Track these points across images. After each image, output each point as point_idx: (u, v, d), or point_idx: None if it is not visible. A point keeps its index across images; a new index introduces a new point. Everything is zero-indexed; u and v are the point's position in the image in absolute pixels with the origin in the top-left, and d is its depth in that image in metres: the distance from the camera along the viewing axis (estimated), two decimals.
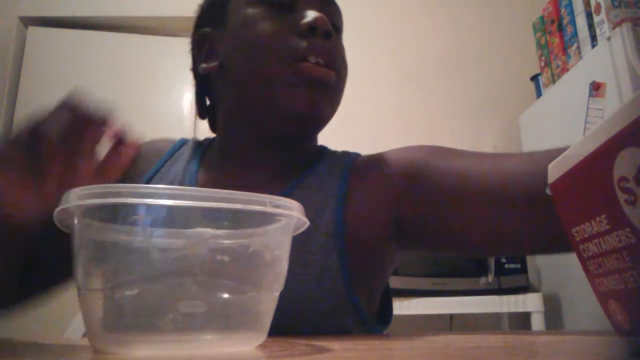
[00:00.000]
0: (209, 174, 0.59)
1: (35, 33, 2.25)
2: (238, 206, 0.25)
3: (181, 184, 0.56)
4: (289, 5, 0.54)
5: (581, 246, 0.24)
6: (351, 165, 0.58)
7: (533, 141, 1.93)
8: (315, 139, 0.63)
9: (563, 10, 1.71)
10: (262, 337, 0.29)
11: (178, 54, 2.31)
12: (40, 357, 0.26)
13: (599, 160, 0.21)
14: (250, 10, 0.55)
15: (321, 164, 0.59)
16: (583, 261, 0.25)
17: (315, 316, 0.49)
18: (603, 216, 0.21)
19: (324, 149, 0.64)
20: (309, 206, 0.48)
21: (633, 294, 0.21)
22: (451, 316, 1.78)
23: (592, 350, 0.27)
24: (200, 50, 0.60)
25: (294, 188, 0.55)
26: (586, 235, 0.23)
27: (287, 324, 0.39)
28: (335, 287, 0.50)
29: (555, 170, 0.26)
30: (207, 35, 0.60)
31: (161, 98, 2.24)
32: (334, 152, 0.63)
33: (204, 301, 0.25)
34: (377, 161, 0.58)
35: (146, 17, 2.32)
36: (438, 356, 0.26)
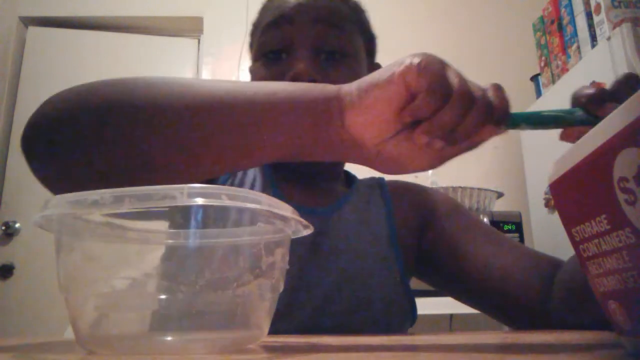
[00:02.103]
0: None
1: (35, 33, 2.25)
2: (240, 204, 0.25)
3: (264, 188, 0.59)
4: (279, 55, 0.58)
5: (581, 246, 0.24)
6: (386, 186, 0.68)
7: (533, 141, 1.93)
8: (342, 164, 0.68)
9: (563, 10, 1.72)
10: (261, 335, 0.29)
11: (178, 54, 2.33)
12: (39, 357, 0.26)
13: (599, 160, 0.21)
14: (256, 63, 0.61)
15: (358, 185, 0.67)
16: (583, 261, 0.25)
17: (379, 312, 0.56)
18: (603, 216, 0.21)
19: (348, 173, 0.71)
20: (365, 218, 0.61)
21: (633, 294, 0.21)
22: (451, 316, 1.78)
23: (592, 350, 0.27)
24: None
25: (341, 204, 0.62)
26: (586, 235, 0.23)
27: (356, 322, 0.53)
28: (395, 282, 0.59)
29: (555, 170, 0.26)
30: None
31: None
32: (361, 179, 0.71)
33: (203, 300, 0.25)
34: (407, 188, 0.69)
35: (146, 17, 2.32)
36: (438, 356, 0.26)
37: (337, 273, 0.55)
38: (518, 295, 0.56)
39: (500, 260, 0.58)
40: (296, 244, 0.52)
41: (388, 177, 0.71)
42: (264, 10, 0.62)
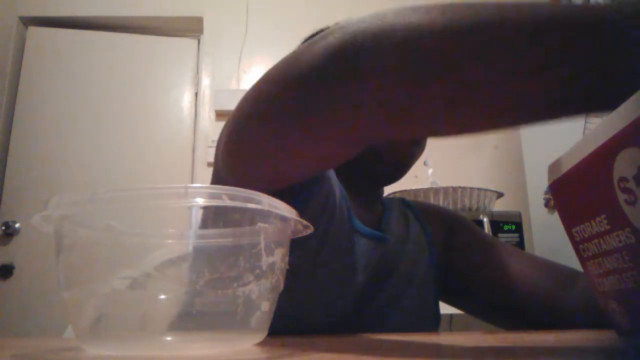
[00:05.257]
0: None
1: (35, 33, 2.25)
2: (241, 204, 0.25)
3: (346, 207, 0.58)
4: None
5: (581, 246, 0.24)
6: (417, 209, 0.69)
7: (533, 141, 1.94)
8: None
9: None
10: (262, 336, 0.29)
11: (178, 54, 2.33)
12: (39, 357, 0.26)
13: (599, 160, 0.21)
14: None
15: (390, 205, 0.66)
16: (583, 261, 0.25)
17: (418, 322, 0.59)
18: (603, 216, 0.21)
19: None
20: (406, 236, 0.62)
21: (633, 294, 0.21)
22: (451, 316, 1.78)
23: (592, 350, 0.27)
24: None
25: (386, 222, 0.62)
26: (586, 235, 0.23)
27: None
28: (429, 299, 0.62)
29: (555, 170, 0.26)
30: None
31: (161, 98, 2.24)
32: (388, 197, 0.72)
33: (203, 300, 0.25)
34: (430, 208, 0.71)
35: (146, 17, 2.32)
36: (438, 356, 0.26)
37: (389, 293, 0.56)
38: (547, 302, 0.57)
39: (531, 271, 0.60)
40: (362, 268, 0.53)
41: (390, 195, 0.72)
42: None
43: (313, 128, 0.35)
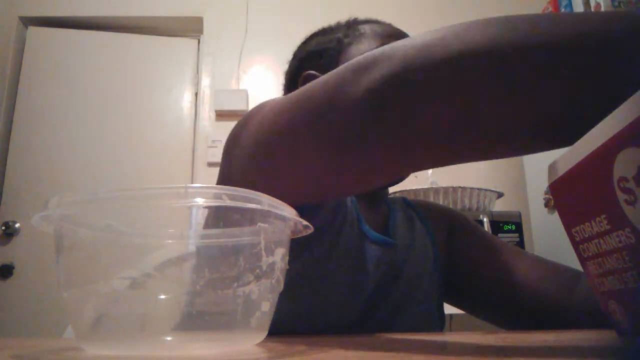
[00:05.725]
0: None
1: (35, 33, 2.25)
2: (241, 204, 0.25)
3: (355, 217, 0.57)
4: None
5: (581, 246, 0.24)
6: (419, 209, 0.69)
7: None
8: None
9: (563, 10, 1.71)
10: (262, 336, 0.29)
11: (178, 54, 2.33)
12: (39, 357, 0.26)
13: (599, 160, 0.21)
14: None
15: (394, 206, 0.66)
16: (583, 261, 0.25)
17: (419, 318, 0.59)
18: (603, 216, 0.21)
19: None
20: (412, 239, 0.62)
21: (633, 294, 0.21)
22: (451, 316, 1.78)
23: (592, 350, 0.27)
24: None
25: (392, 226, 0.62)
26: (586, 235, 0.23)
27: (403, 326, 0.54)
28: (434, 302, 0.62)
29: (555, 170, 0.26)
30: (316, 78, 0.63)
31: (161, 98, 2.24)
32: (390, 197, 0.71)
33: (203, 300, 0.25)
34: (431, 207, 0.71)
35: (146, 17, 2.32)
36: (437, 356, 0.26)
37: (396, 298, 0.56)
38: (545, 303, 0.57)
39: (530, 271, 0.60)
40: (371, 273, 0.52)
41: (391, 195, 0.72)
42: (373, 26, 0.64)
43: (357, 157, 0.34)
